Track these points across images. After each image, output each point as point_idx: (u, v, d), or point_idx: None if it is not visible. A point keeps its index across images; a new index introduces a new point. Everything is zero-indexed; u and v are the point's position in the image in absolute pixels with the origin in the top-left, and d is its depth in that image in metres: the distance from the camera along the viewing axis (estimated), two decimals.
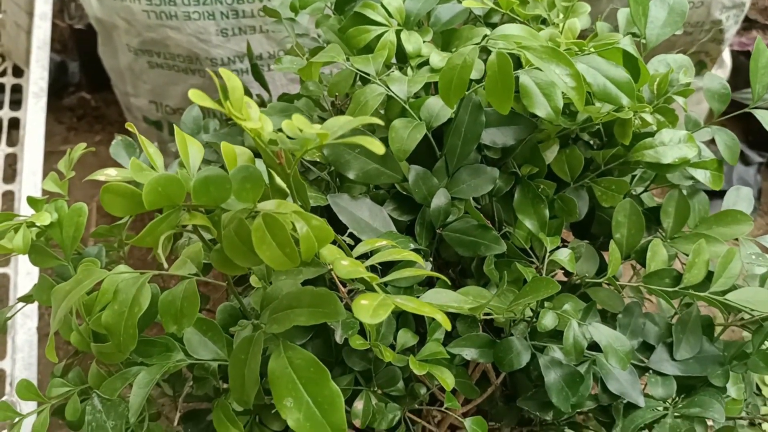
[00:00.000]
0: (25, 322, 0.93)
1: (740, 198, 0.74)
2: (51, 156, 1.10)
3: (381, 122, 0.40)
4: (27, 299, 0.76)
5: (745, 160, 1.50)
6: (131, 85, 1.18)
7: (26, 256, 1.03)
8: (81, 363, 0.72)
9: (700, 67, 1.25)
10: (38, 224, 0.65)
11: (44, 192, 0.67)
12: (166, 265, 0.44)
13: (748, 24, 1.73)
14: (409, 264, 0.55)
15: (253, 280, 0.60)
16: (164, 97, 1.16)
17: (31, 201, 0.67)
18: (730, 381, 0.65)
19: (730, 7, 1.21)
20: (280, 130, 0.43)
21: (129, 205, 0.40)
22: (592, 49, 0.56)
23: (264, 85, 0.87)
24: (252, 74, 0.85)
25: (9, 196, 1.33)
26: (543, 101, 0.54)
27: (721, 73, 1.34)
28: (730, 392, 0.66)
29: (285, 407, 0.45)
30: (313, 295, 0.48)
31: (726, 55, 1.33)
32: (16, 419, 0.65)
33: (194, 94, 0.37)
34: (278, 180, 0.49)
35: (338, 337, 0.54)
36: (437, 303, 0.55)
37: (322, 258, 0.46)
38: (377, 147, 0.37)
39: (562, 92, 0.55)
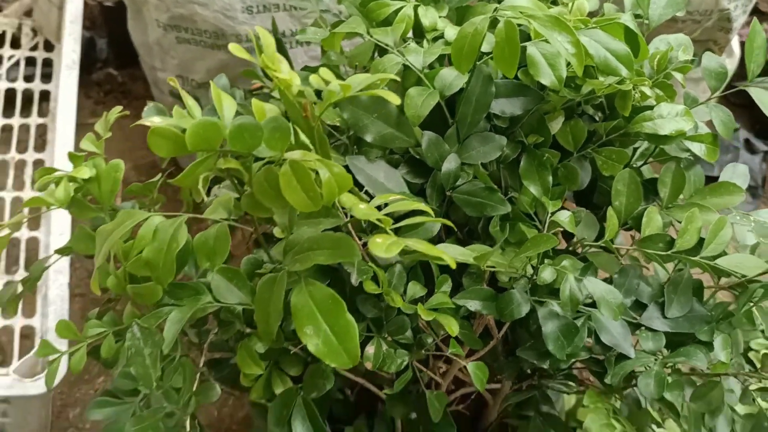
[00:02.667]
0: (57, 278, 0.99)
1: (736, 174, 0.78)
2: (80, 128, 1.15)
3: (397, 78, 0.45)
4: (64, 251, 0.82)
5: (750, 148, 1.53)
6: (159, 59, 1.24)
7: (58, 217, 1.09)
8: (113, 310, 0.77)
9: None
10: (78, 178, 0.71)
11: (80, 151, 0.72)
12: (205, 198, 0.49)
13: (759, 15, 1.75)
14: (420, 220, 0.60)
15: (277, 231, 0.65)
16: (191, 72, 1.22)
17: (72, 156, 0.73)
18: (719, 345, 0.70)
19: None
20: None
21: (173, 146, 0.46)
22: (595, 25, 0.60)
23: (288, 59, 0.91)
24: (276, 48, 0.90)
25: (39, 164, 1.39)
26: (548, 71, 0.59)
27: (729, 62, 1.38)
28: (719, 356, 0.71)
29: (306, 334, 0.50)
30: (332, 238, 0.53)
31: (735, 45, 1.37)
32: (55, 355, 0.71)
33: (234, 47, 0.42)
34: (302, 136, 0.54)
35: (353, 280, 0.59)
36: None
37: (341, 203, 0.51)
38: (393, 98, 0.42)
39: (566, 64, 0.59)
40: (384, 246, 0.47)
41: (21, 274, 1.23)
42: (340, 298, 0.50)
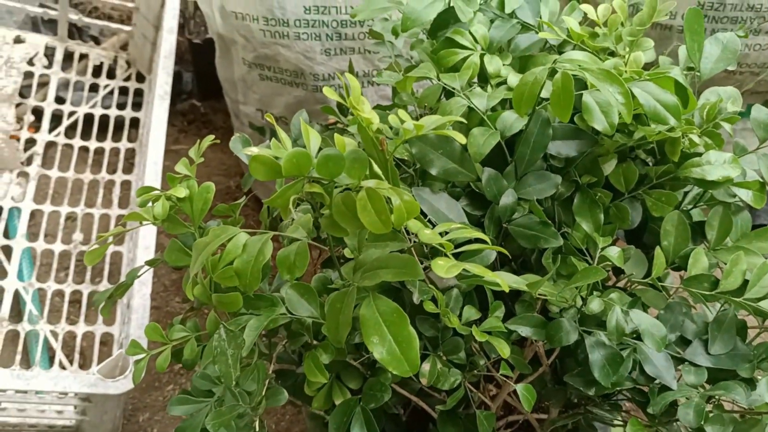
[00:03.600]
0: (141, 288, 1.08)
1: None
2: (164, 154, 1.27)
3: (464, 120, 0.51)
4: (153, 263, 0.91)
5: None
6: (242, 94, 1.35)
7: (145, 233, 1.19)
8: (196, 317, 0.85)
9: None
10: (174, 197, 0.80)
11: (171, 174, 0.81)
12: (293, 217, 0.57)
13: None
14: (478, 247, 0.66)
15: (347, 252, 0.72)
16: (270, 106, 1.32)
17: (170, 178, 0.82)
18: (764, 385, 0.73)
19: None
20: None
21: (270, 172, 0.53)
22: (647, 77, 0.66)
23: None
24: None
25: (126, 185, 1.51)
26: (601, 117, 0.64)
27: None
28: (764, 396, 0.74)
29: (372, 343, 0.56)
30: (399, 258, 0.59)
31: None
32: (142, 355, 0.79)
33: (327, 91, 0.49)
34: (376, 168, 0.61)
35: (415, 299, 0.66)
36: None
37: (408, 228, 0.58)
38: (459, 137, 0.49)
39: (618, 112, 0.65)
40: (445, 267, 0.53)
41: (104, 285, 1.34)
42: (404, 312, 0.56)
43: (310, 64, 1.20)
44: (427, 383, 0.72)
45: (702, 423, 0.64)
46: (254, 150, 0.55)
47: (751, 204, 0.75)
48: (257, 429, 0.73)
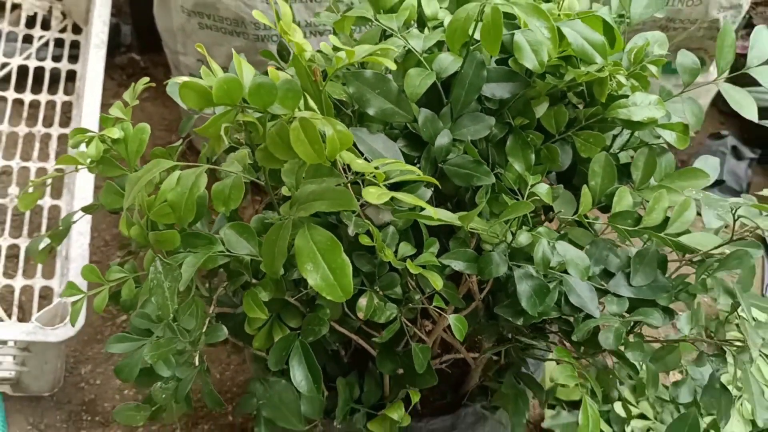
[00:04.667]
0: (79, 239, 1.07)
1: (707, 164, 0.85)
2: (103, 108, 1.24)
3: (396, 49, 0.52)
4: (89, 209, 0.90)
5: (738, 155, 1.60)
6: (181, 44, 1.32)
7: (81, 184, 1.17)
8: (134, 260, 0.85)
9: (701, 64, 1.35)
10: (108, 138, 0.79)
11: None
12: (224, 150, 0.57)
13: (752, 30, 1.82)
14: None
15: (284, 190, 0.73)
16: (210, 56, 1.30)
17: (103, 119, 0.81)
18: (685, 320, 0.77)
19: (727, 7, 1.32)
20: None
21: (201, 99, 0.53)
22: (576, 17, 0.68)
23: None
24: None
25: (63, 138, 1.48)
26: (531, 55, 0.66)
27: (713, 75, 1.44)
28: (684, 329, 0.79)
29: (307, 270, 0.57)
30: (333, 190, 0.60)
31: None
32: (79, 296, 0.79)
33: (257, 14, 0.50)
34: (310, 102, 0.62)
35: (350, 231, 0.67)
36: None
37: (342, 158, 0.59)
38: (390, 63, 0.50)
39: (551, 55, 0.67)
40: (376, 194, 0.54)
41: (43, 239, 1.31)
42: (337, 241, 0.58)
43: (250, 12, 1.18)
44: (364, 317, 0.74)
45: (620, 345, 0.68)
46: (184, 78, 0.55)
47: (675, 145, 0.79)
48: (197, 364, 0.75)
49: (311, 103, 0.62)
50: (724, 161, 1.57)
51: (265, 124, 0.57)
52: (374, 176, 0.58)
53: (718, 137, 1.66)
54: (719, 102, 1.72)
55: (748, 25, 1.82)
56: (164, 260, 0.63)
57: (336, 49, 0.51)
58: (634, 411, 1.20)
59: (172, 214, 0.65)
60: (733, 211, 0.69)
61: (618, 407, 1.20)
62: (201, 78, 0.59)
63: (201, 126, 0.57)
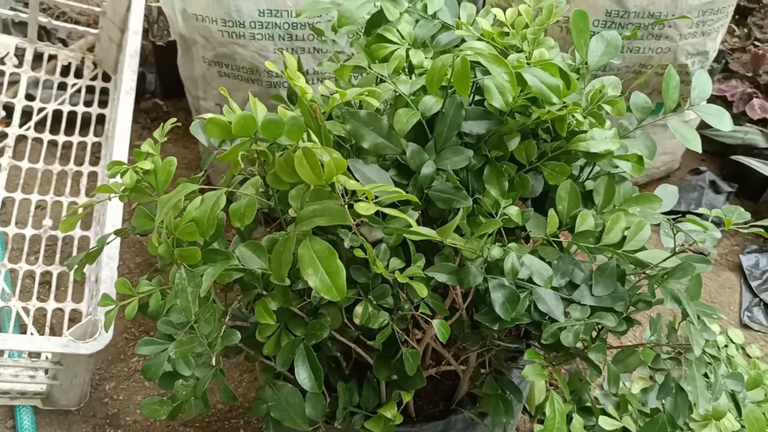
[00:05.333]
0: (109, 262, 1.19)
1: (666, 192, 0.97)
2: (129, 148, 1.37)
3: (378, 91, 0.65)
4: (121, 232, 1.03)
5: (716, 189, 1.71)
6: (202, 90, 1.47)
7: (111, 215, 1.29)
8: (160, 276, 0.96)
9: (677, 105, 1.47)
10: (141, 169, 0.91)
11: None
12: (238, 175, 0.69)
13: (729, 74, 1.95)
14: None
15: (291, 212, 0.85)
16: (226, 101, 1.44)
17: (137, 153, 0.94)
18: (649, 327, 0.88)
19: (694, 54, 1.45)
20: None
21: (223, 131, 0.66)
22: (535, 64, 0.81)
23: None
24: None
25: (93, 176, 1.61)
26: (498, 96, 0.79)
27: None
28: (646, 334, 0.89)
29: (307, 274, 0.69)
30: (331, 208, 0.72)
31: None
32: (112, 306, 0.90)
33: (269, 64, 0.62)
34: (313, 136, 0.74)
35: (346, 244, 0.79)
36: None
37: (338, 181, 0.71)
38: (375, 102, 0.62)
39: (513, 96, 0.79)
40: (365, 208, 0.66)
41: None
42: (333, 249, 0.69)
43: (264, 62, 1.33)
44: (359, 323, 0.85)
45: (578, 342, 0.78)
46: (210, 115, 0.68)
47: (632, 174, 0.90)
48: (213, 364, 0.85)
49: (313, 136, 0.74)
50: (703, 194, 1.68)
51: (274, 153, 0.70)
52: (365, 195, 0.70)
53: (697, 173, 1.78)
54: (702, 141, 1.83)
55: (725, 70, 1.95)
56: (188, 267, 0.75)
57: (333, 90, 0.63)
58: (617, 425, 1.28)
59: (196, 232, 0.77)
60: (673, 228, 0.79)
61: (603, 421, 1.29)
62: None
63: (222, 155, 0.69)
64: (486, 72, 0.85)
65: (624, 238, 0.87)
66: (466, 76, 0.72)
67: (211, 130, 0.66)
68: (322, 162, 0.68)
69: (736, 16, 2.17)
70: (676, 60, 1.43)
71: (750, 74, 1.96)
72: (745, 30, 2.20)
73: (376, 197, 0.72)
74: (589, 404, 0.92)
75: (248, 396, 1.34)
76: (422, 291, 0.81)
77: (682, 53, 1.43)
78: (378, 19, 0.95)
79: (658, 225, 0.92)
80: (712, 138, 1.76)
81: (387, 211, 0.68)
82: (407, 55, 0.92)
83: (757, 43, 2.12)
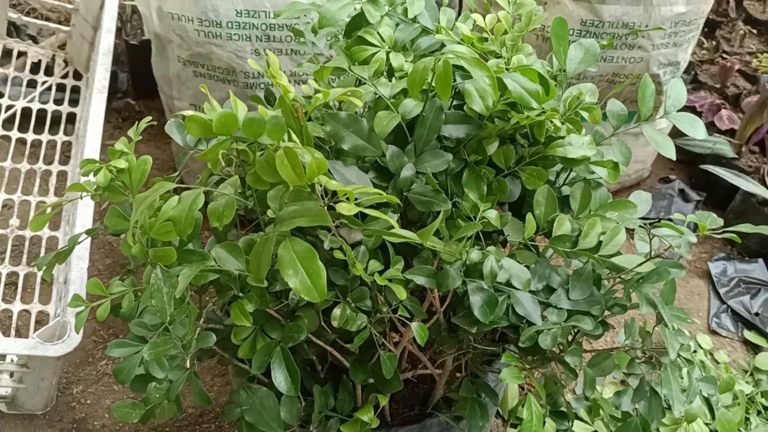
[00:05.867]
0: (78, 263, 1.16)
1: (640, 199, 0.98)
2: (100, 148, 1.35)
3: (362, 91, 0.64)
4: (92, 232, 1.01)
5: (685, 197, 1.75)
6: (177, 90, 1.45)
7: (82, 214, 1.27)
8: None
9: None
10: (115, 168, 0.90)
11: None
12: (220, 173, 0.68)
13: (698, 85, 2.00)
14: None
15: (269, 213, 0.84)
16: (203, 101, 1.42)
17: (111, 151, 0.92)
18: (623, 331, 0.89)
19: (666, 64, 1.48)
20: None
21: (203, 130, 0.65)
22: (515, 70, 0.81)
23: None
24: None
25: (62, 175, 1.58)
26: (479, 100, 0.79)
27: (665, 121, 1.60)
28: (621, 338, 0.90)
29: (288, 275, 0.68)
30: (311, 209, 0.71)
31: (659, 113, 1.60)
32: (83, 307, 0.88)
33: (251, 62, 0.62)
34: (293, 136, 0.74)
35: (326, 245, 0.78)
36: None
37: (319, 182, 0.70)
38: (359, 102, 0.62)
39: (493, 100, 0.80)
40: (347, 208, 0.66)
41: None
42: (314, 250, 0.69)
43: (241, 62, 1.32)
44: (337, 325, 0.84)
45: (555, 346, 0.78)
46: (189, 112, 0.67)
47: (607, 179, 0.92)
48: (188, 366, 0.84)
49: (294, 137, 0.73)
50: (672, 203, 1.71)
51: (254, 152, 0.69)
52: (346, 196, 0.69)
53: (667, 181, 1.81)
54: None
55: (694, 81, 1.99)
56: (164, 268, 0.74)
57: (315, 90, 0.63)
58: (589, 429, 1.29)
59: (172, 232, 0.75)
60: (649, 233, 0.81)
61: (577, 426, 1.30)
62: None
63: (200, 154, 0.68)
64: (466, 76, 0.86)
65: (600, 242, 0.88)
66: (448, 79, 0.73)
67: (190, 128, 0.65)
68: (303, 162, 0.68)
69: (705, 29, 2.22)
70: (648, 70, 1.46)
71: (718, 86, 2.00)
72: (714, 42, 2.25)
73: (356, 198, 0.71)
74: (563, 408, 0.92)
75: (220, 400, 1.33)
76: (401, 294, 0.81)
77: (655, 63, 1.46)
78: (358, 21, 0.95)
79: (632, 230, 0.93)
80: (681, 147, 1.80)
81: (369, 212, 0.68)
82: (387, 58, 0.92)
83: (725, 55, 2.18)
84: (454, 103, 0.94)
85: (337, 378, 1.05)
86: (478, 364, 0.97)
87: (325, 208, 0.78)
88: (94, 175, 0.90)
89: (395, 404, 1.14)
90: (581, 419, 1.32)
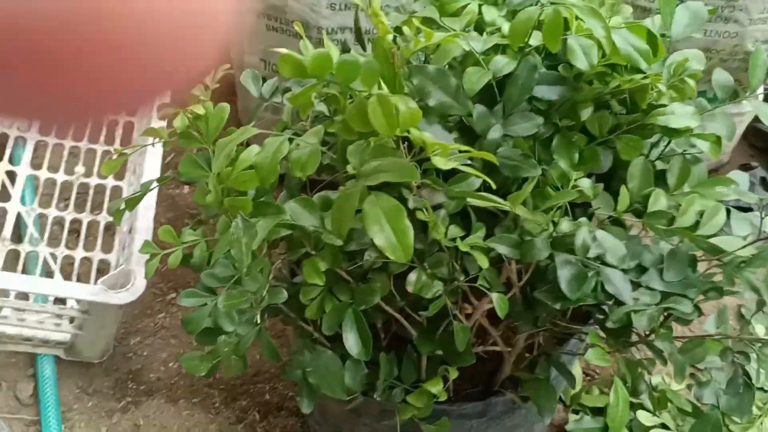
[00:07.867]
0: (145, 213, 1.15)
1: (737, 177, 0.91)
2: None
3: (461, 39, 0.59)
4: (162, 180, 0.98)
5: (766, 185, 1.65)
6: (247, 43, 1.42)
7: (149, 165, 1.25)
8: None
9: (734, 95, 1.41)
10: (192, 114, 0.87)
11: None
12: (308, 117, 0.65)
13: None
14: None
15: (349, 168, 0.80)
16: (273, 57, 1.39)
17: (189, 97, 0.89)
18: (712, 320, 0.83)
19: (763, 41, 1.38)
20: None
21: (296, 70, 0.61)
22: (623, 26, 0.75)
23: (364, 48, 1.08)
24: (355, 37, 1.06)
25: (129, 126, 1.57)
26: (582, 57, 0.73)
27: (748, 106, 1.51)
28: (710, 328, 0.84)
29: (374, 232, 0.64)
30: (398, 163, 0.67)
31: (760, 89, 1.50)
32: (155, 254, 0.87)
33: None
34: (384, 87, 0.69)
35: (410, 204, 0.74)
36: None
37: (412, 135, 0.66)
38: (464, 45, 0.57)
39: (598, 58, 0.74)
40: (443, 162, 0.61)
41: (104, 216, 1.40)
42: (402, 207, 0.65)
43: (315, 17, 1.27)
44: (412, 290, 0.80)
45: (653, 326, 0.73)
46: (284, 50, 0.63)
47: (709, 154, 0.85)
48: (258, 321, 0.82)
49: (384, 87, 0.69)
50: (753, 190, 1.61)
51: (346, 98, 0.65)
52: (439, 151, 0.65)
53: (747, 168, 1.71)
54: (749, 136, 1.77)
55: None
56: (245, 218, 0.71)
57: (417, 31, 0.58)
58: (656, 421, 1.24)
59: (252, 180, 0.73)
60: (762, 212, 0.74)
61: (641, 415, 1.24)
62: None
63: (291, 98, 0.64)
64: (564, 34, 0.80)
65: (698, 222, 0.81)
66: (558, 29, 0.67)
67: (283, 68, 0.61)
68: (397, 111, 0.63)
69: None
70: (742, 47, 1.37)
71: None
72: None
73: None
74: (644, 396, 0.87)
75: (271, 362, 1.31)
76: (483, 262, 0.77)
77: (750, 39, 1.37)
78: None
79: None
80: (764, 132, 1.70)
81: (466, 169, 0.64)
82: (480, 11, 0.87)
83: None
84: (547, 64, 0.88)
85: (400, 348, 1.02)
86: (553, 344, 0.92)
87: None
88: (172, 121, 0.88)
89: (458, 380, 1.10)
90: (646, 409, 1.27)
